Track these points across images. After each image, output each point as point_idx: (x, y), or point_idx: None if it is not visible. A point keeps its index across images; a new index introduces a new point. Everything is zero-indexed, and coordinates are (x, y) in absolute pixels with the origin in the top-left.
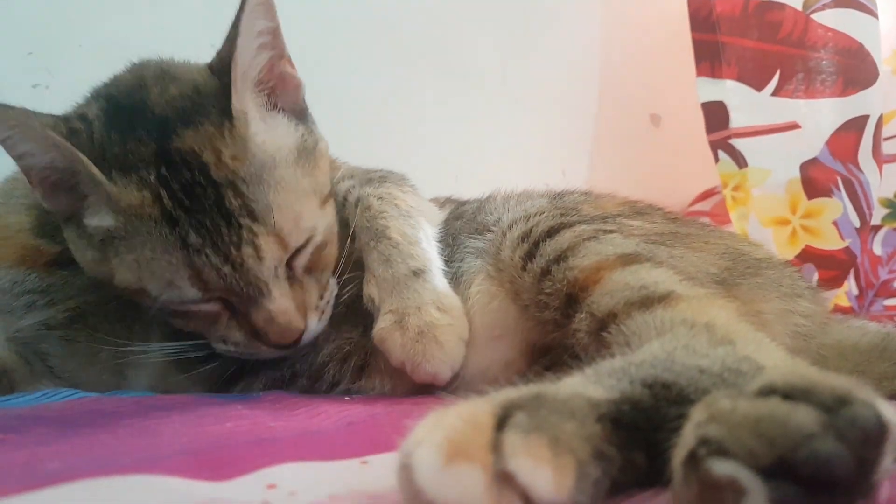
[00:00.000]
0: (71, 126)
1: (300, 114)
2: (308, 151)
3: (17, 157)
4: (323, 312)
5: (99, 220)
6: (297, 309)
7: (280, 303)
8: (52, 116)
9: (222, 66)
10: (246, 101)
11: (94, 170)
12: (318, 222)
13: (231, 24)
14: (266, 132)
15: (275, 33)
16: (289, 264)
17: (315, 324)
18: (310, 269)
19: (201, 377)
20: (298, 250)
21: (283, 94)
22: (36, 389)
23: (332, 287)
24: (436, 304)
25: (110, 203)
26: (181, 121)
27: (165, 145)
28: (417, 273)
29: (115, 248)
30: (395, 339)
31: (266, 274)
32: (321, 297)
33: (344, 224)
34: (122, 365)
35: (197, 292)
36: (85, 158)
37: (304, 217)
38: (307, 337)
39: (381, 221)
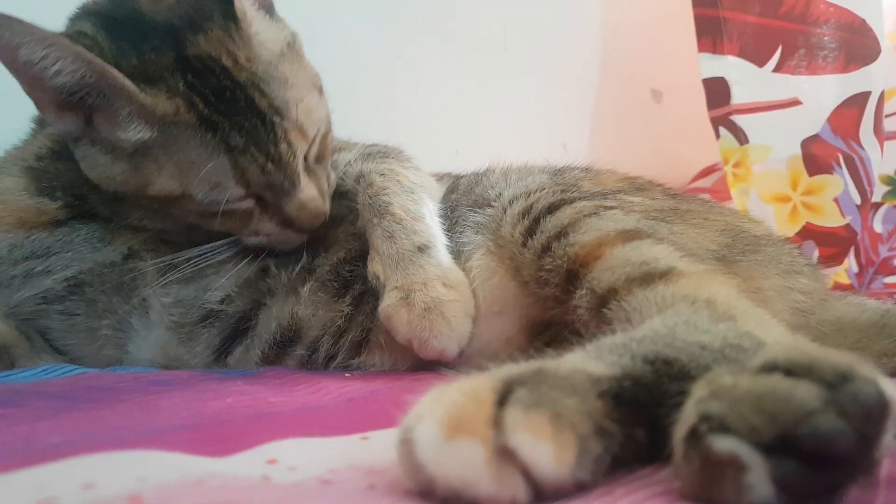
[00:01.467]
0: (85, 42)
1: (270, 9)
2: (292, 45)
3: (46, 78)
4: (330, 197)
5: (132, 132)
6: (320, 194)
7: (308, 191)
8: (66, 34)
9: None
10: (243, 1)
11: (128, 82)
12: (322, 112)
13: None
14: (262, 30)
15: None
16: (304, 156)
17: (329, 206)
18: (318, 159)
19: (197, 344)
20: (312, 141)
21: None
22: (36, 365)
23: (332, 176)
24: (441, 280)
25: (144, 114)
26: (188, 27)
27: (182, 53)
28: (422, 249)
29: (153, 158)
30: (402, 315)
31: (299, 166)
32: (328, 184)
33: (338, 194)
34: (122, 339)
35: (241, 190)
36: (116, 72)
37: (313, 108)
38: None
39: (383, 198)
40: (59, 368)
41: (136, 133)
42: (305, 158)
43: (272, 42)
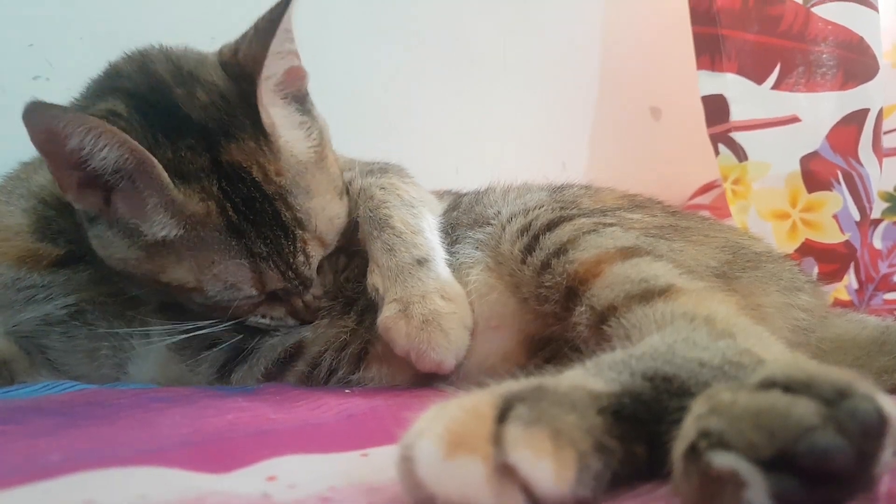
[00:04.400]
0: (121, 125)
1: (301, 99)
2: (321, 146)
3: (84, 162)
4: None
5: (158, 225)
6: (324, 290)
7: (316, 290)
8: (104, 114)
9: (240, 73)
10: (271, 111)
11: (165, 175)
12: (342, 215)
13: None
14: (292, 139)
15: (292, 38)
16: None
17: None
18: (330, 252)
19: (201, 364)
20: (329, 244)
21: (291, 85)
22: (35, 380)
23: (341, 259)
24: (440, 293)
25: (173, 210)
26: (221, 132)
27: (216, 157)
28: (421, 262)
29: (175, 252)
30: (400, 327)
31: (313, 273)
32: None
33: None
34: (122, 360)
35: (255, 291)
36: (156, 161)
37: (334, 216)
38: None
39: (384, 211)
40: (59, 385)
41: (160, 228)
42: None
43: (300, 152)
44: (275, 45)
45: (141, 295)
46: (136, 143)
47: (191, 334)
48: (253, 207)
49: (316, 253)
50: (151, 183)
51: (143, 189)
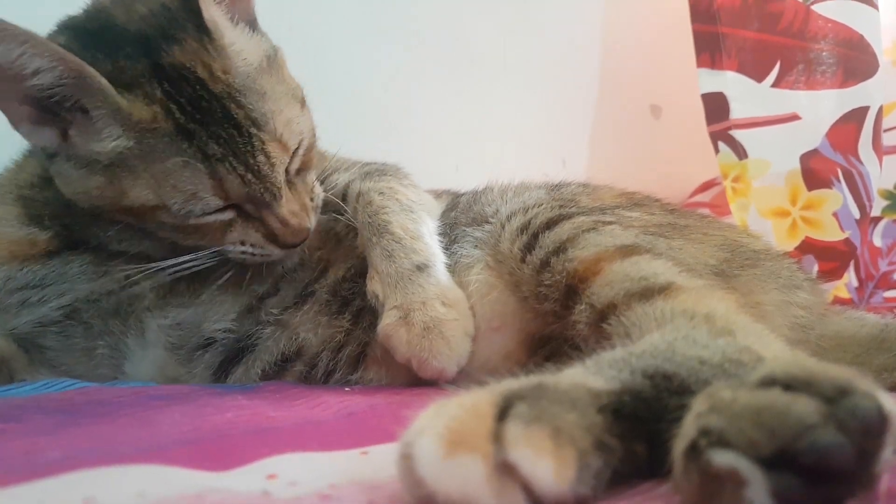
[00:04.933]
0: (60, 44)
1: (253, 24)
2: (273, 58)
3: (23, 77)
4: (316, 211)
5: (108, 140)
6: (302, 209)
7: (290, 205)
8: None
9: None
10: (213, 13)
11: (105, 81)
12: (304, 125)
13: None
14: (238, 42)
15: None
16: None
17: (314, 221)
18: (299, 171)
19: (197, 365)
20: (293, 154)
21: (238, 7)
22: (35, 378)
23: (318, 190)
24: (441, 299)
25: (120, 118)
26: (162, 37)
27: (158, 61)
28: (421, 268)
29: (129, 168)
30: (401, 335)
31: (279, 179)
32: (311, 199)
33: (333, 209)
34: (119, 359)
35: (219, 201)
36: (94, 71)
37: (293, 121)
38: (309, 235)
39: (382, 216)
40: (58, 383)
41: (111, 141)
42: (287, 171)
43: (250, 55)
44: None
45: (114, 244)
46: (68, 53)
47: (175, 270)
48: (200, 107)
49: (278, 156)
50: (94, 95)
51: (89, 106)
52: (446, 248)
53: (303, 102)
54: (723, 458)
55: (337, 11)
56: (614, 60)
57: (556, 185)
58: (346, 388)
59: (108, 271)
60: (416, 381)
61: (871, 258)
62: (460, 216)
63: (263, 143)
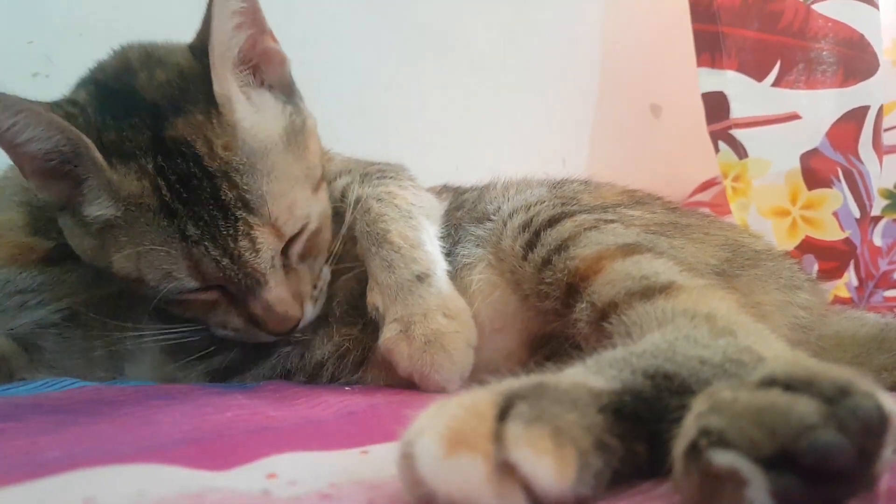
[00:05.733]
0: (67, 111)
1: (287, 90)
2: (297, 132)
3: (19, 145)
4: (317, 300)
5: (98, 208)
6: (293, 297)
7: (276, 292)
8: (48, 103)
9: (202, 48)
10: (228, 84)
11: (97, 154)
12: (312, 209)
13: (206, 7)
14: (254, 115)
15: (252, 10)
16: (284, 253)
17: (311, 311)
18: (304, 257)
19: (197, 372)
20: (293, 239)
21: (267, 70)
22: (34, 377)
23: (326, 275)
24: (442, 310)
25: (110, 190)
26: (172, 108)
27: (160, 133)
28: (421, 278)
29: (115, 237)
30: (402, 349)
31: (263, 265)
32: (315, 286)
33: (340, 219)
34: (117, 360)
35: (195, 282)
36: (89, 141)
37: (298, 205)
38: (303, 324)
39: (381, 225)
40: (58, 382)
41: (100, 209)
42: (286, 256)
43: (264, 131)
44: (218, 5)
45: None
46: (63, 122)
47: (168, 340)
48: (189, 185)
49: (267, 242)
50: (88, 165)
51: (83, 173)
52: (451, 250)
53: (317, 185)
54: (723, 458)
55: (337, 11)
56: (614, 60)
57: (559, 183)
58: (347, 388)
59: (107, 281)
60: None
61: (871, 257)
62: (465, 216)
63: (251, 227)
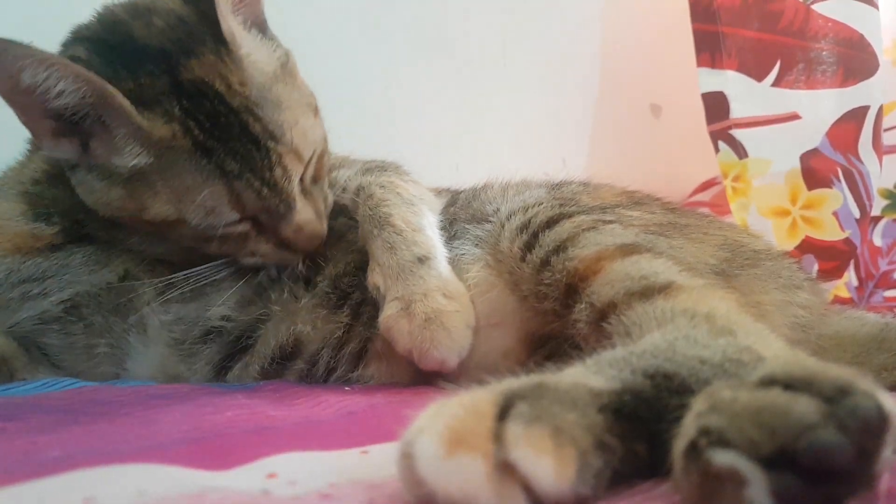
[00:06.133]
0: (82, 64)
1: (263, 27)
2: (286, 65)
3: (46, 100)
4: (327, 216)
5: (128, 156)
6: (317, 216)
7: (304, 214)
8: (65, 56)
9: None
10: (231, 23)
11: (126, 101)
12: (318, 133)
13: None
14: (255, 51)
15: None
16: (301, 177)
17: (326, 227)
18: (315, 179)
19: (197, 361)
20: (308, 163)
21: (248, 9)
22: (35, 377)
23: (329, 195)
24: (442, 291)
25: (140, 137)
26: (181, 51)
27: (176, 77)
28: (422, 260)
29: (149, 183)
30: (402, 326)
31: (295, 190)
32: (325, 205)
33: (338, 210)
34: (121, 356)
35: (236, 214)
36: (116, 91)
37: (309, 130)
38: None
39: (383, 209)
40: (58, 382)
41: (132, 158)
42: (302, 180)
43: (264, 64)
44: None
45: (133, 245)
46: (91, 74)
47: (189, 282)
48: (219, 123)
49: (294, 167)
50: (115, 114)
51: (111, 124)
52: (447, 243)
53: (316, 110)
54: (723, 458)
55: (337, 11)
56: (614, 60)
57: (557, 184)
58: (346, 388)
59: (109, 262)
60: (417, 378)
61: (871, 257)
62: (460, 212)
63: (280, 155)
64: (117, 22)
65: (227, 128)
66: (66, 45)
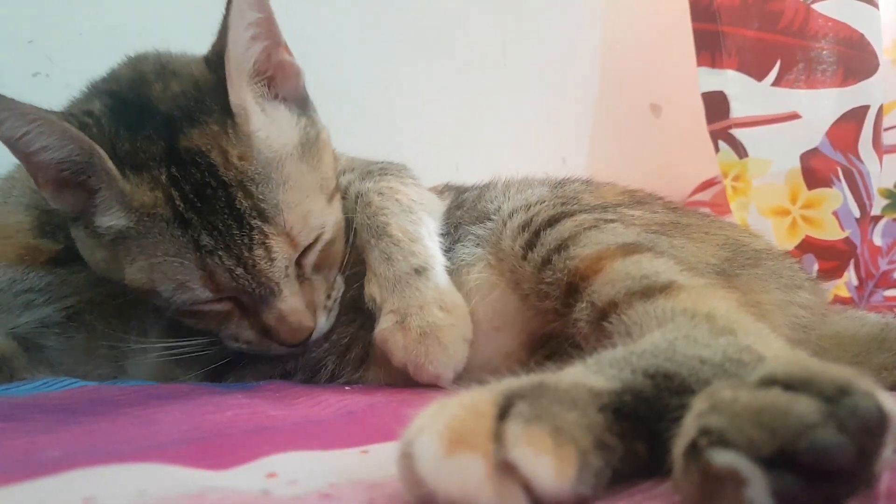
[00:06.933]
0: (81, 121)
1: (301, 102)
2: (311, 144)
3: (32, 153)
4: (331, 311)
5: (111, 218)
6: (307, 307)
7: (290, 302)
8: (62, 112)
9: (217, 60)
10: (244, 94)
11: (111, 165)
12: (327, 219)
13: (222, 18)
14: (269, 126)
15: (267, 22)
16: (298, 263)
17: (324, 322)
18: (318, 267)
19: (193, 369)
20: (308, 249)
21: (282, 82)
22: (35, 377)
23: (339, 284)
24: (438, 304)
25: (123, 201)
26: (186, 119)
27: (174, 144)
28: (419, 271)
29: (127, 249)
30: (397, 340)
31: (277, 274)
32: (328, 296)
33: (346, 220)
34: (120, 360)
35: (209, 293)
36: (102, 152)
37: (312, 215)
38: (316, 335)
39: (381, 218)
40: (58, 382)
41: (113, 219)
42: (300, 266)
43: (279, 141)
44: (234, 17)
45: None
46: (77, 132)
47: (176, 352)
48: (203, 195)
49: (282, 251)
50: (102, 175)
51: (96, 184)
52: (450, 248)
53: (331, 195)
54: (723, 458)
55: (337, 11)
56: (614, 60)
57: (560, 182)
58: (346, 388)
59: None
60: (415, 383)
61: (871, 257)
62: (464, 215)
63: (266, 236)
64: (142, 81)
65: (211, 201)
66: (93, 94)
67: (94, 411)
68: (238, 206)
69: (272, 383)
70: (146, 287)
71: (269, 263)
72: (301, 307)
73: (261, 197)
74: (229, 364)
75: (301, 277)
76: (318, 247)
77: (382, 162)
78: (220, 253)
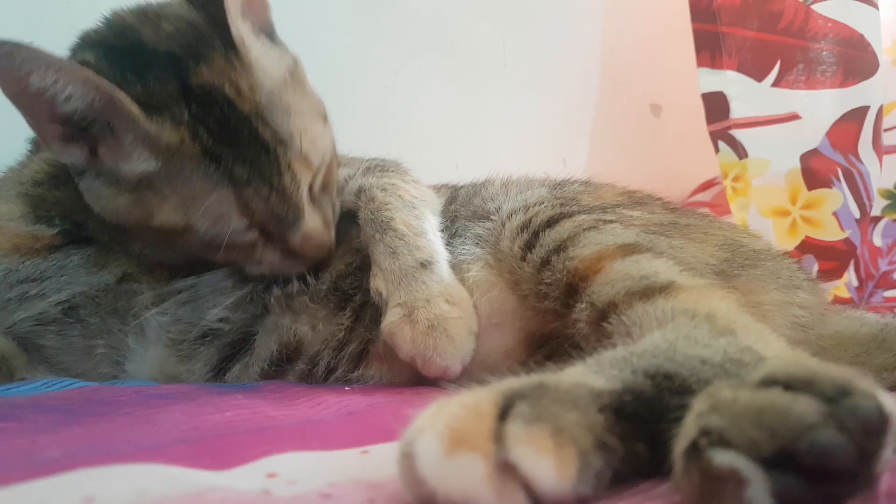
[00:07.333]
0: (96, 67)
1: (272, 34)
2: (294, 72)
3: (55, 105)
4: (333, 227)
5: (136, 162)
6: (325, 224)
7: (313, 222)
8: (74, 60)
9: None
10: (241, 27)
11: (135, 107)
12: (327, 141)
13: None
14: (265, 57)
15: None
16: (309, 185)
17: (333, 235)
18: (323, 187)
19: (196, 361)
20: (317, 171)
21: (257, 14)
22: (34, 377)
23: (337, 203)
24: (445, 297)
25: (149, 143)
26: (190, 56)
27: (185, 82)
28: (425, 265)
29: (156, 190)
30: (405, 333)
31: (303, 198)
32: (333, 213)
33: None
34: (120, 358)
35: (244, 222)
36: (124, 95)
37: (317, 137)
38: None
39: (385, 213)
40: (58, 382)
41: (140, 164)
42: (311, 188)
43: (274, 70)
44: None
45: (136, 250)
46: (100, 78)
47: (190, 289)
48: (228, 128)
49: (303, 174)
50: (123, 120)
51: (120, 129)
52: (448, 243)
53: (325, 118)
54: (723, 458)
55: (337, 11)
56: (614, 59)
57: (559, 183)
58: (347, 388)
59: (107, 264)
60: (417, 379)
61: (871, 258)
62: (460, 209)
63: (290, 162)
64: (126, 27)
65: (236, 133)
66: (75, 50)
67: (94, 411)
68: (261, 136)
69: (272, 383)
70: (179, 225)
71: (296, 188)
72: (321, 225)
73: (277, 125)
74: (230, 357)
75: (313, 199)
76: (323, 168)
77: (376, 159)
78: (255, 182)
